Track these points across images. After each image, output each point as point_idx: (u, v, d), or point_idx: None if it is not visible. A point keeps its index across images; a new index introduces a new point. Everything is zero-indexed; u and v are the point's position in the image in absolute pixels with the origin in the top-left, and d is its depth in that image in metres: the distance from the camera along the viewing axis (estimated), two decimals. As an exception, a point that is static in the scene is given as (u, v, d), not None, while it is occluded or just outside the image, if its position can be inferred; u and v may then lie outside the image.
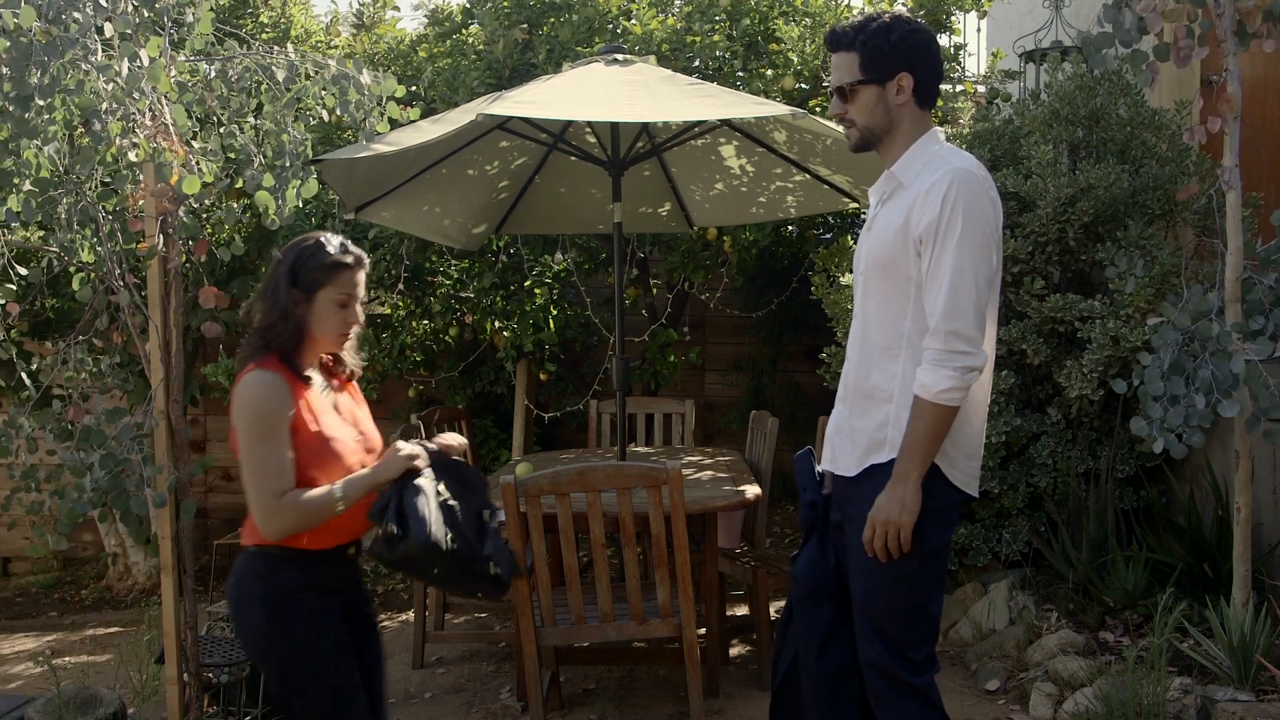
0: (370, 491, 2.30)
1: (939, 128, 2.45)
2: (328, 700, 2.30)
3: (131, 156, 3.12)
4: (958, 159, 2.31)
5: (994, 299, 2.35)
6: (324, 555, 2.35)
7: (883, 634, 2.33)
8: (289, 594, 2.29)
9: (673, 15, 5.90)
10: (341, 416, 2.43)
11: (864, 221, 6.21)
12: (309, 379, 2.36)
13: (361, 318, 2.40)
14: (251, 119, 3.42)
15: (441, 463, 2.40)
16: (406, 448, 2.34)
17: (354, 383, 2.57)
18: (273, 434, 2.23)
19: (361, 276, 2.39)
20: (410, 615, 5.34)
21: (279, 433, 2.24)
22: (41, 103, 2.86)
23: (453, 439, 2.49)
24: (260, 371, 2.28)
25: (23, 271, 3.56)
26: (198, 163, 3.22)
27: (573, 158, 4.85)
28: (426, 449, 2.38)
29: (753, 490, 3.93)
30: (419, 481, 2.31)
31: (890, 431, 2.33)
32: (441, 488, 2.35)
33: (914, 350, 2.32)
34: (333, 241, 2.37)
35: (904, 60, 2.34)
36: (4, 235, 3.44)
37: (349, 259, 2.36)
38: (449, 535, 2.29)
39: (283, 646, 2.29)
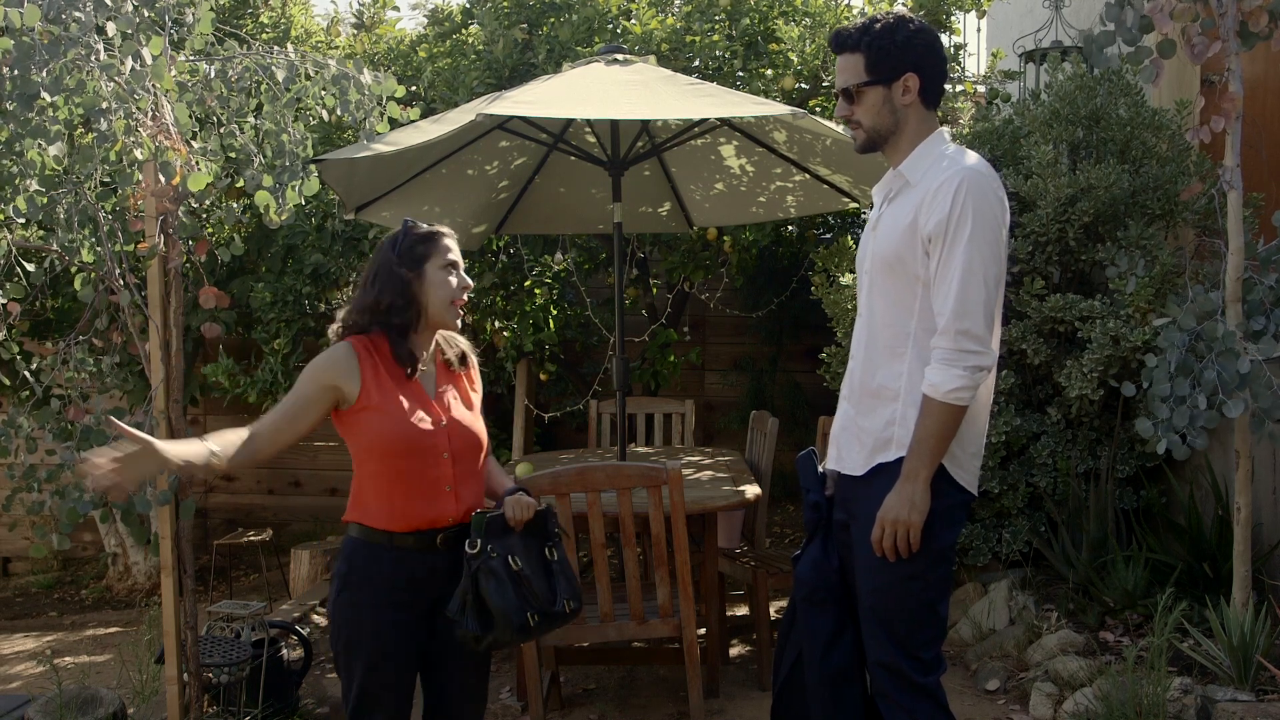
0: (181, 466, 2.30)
1: (945, 128, 2.45)
2: (358, 688, 2.39)
3: (137, 154, 3.12)
4: (966, 159, 2.32)
5: (1000, 299, 2.35)
6: (407, 540, 2.38)
7: (892, 633, 2.32)
8: (360, 579, 2.37)
9: (672, 15, 5.91)
10: (434, 403, 2.43)
11: (864, 221, 6.20)
12: (413, 360, 2.41)
13: (471, 282, 2.48)
14: (251, 119, 3.42)
15: (501, 527, 2.37)
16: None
17: (468, 376, 2.58)
18: (301, 385, 2.38)
19: (457, 248, 2.47)
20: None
21: (305, 388, 2.36)
22: (48, 100, 2.86)
23: (522, 507, 2.43)
24: (341, 344, 2.41)
25: (30, 268, 3.56)
26: (197, 163, 3.22)
27: (573, 158, 4.85)
28: (488, 518, 2.36)
29: (753, 490, 3.93)
30: (492, 563, 2.31)
31: (897, 430, 2.33)
32: (513, 560, 2.35)
33: (920, 349, 2.32)
34: (416, 222, 2.49)
35: (910, 61, 2.34)
36: (7, 234, 3.43)
37: (438, 228, 2.47)
38: (530, 614, 2.34)
39: (338, 625, 2.40)
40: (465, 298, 2.46)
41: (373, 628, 2.36)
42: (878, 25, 2.35)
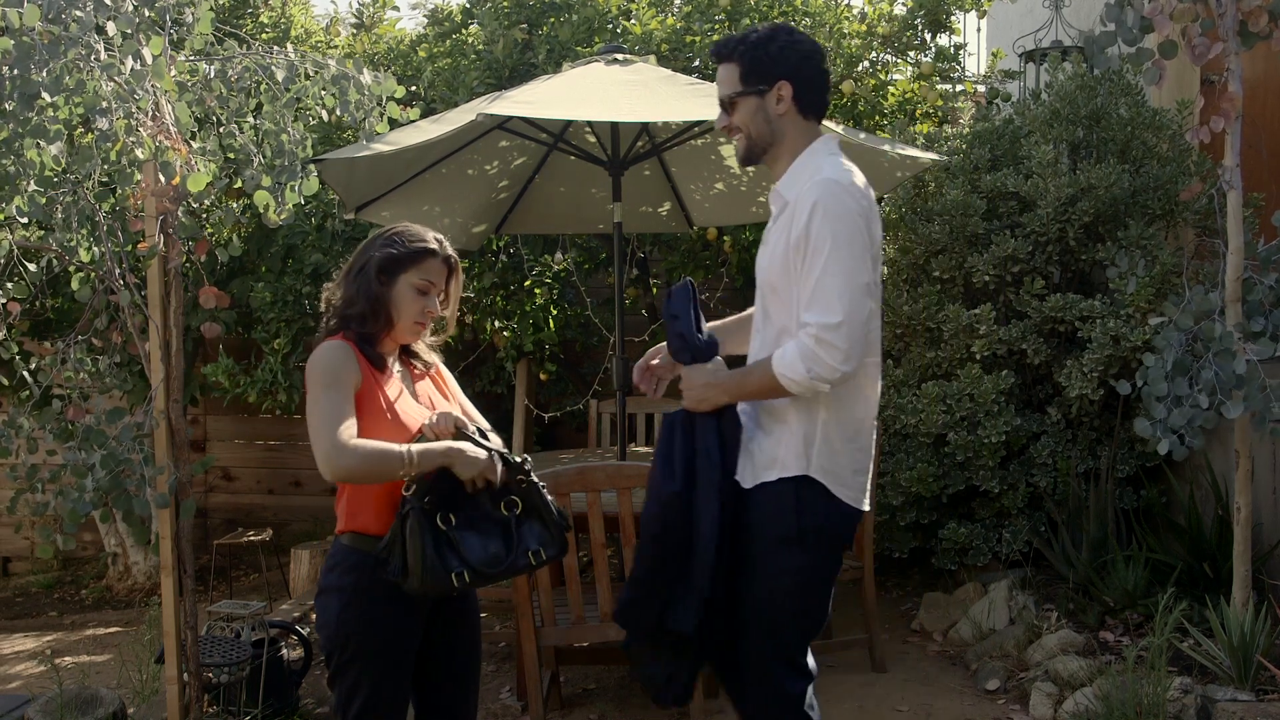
0: (439, 466, 2.25)
1: (832, 135, 2.40)
2: (364, 699, 2.34)
3: (138, 154, 3.12)
4: (831, 169, 2.28)
5: (876, 307, 2.32)
6: None
7: (776, 641, 2.35)
8: (362, 593, 2.32)
9: (672, 15, 5.91)
10: (419, 401, 2.43)
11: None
12: (382, 362, 2.38)
13: (440, 312, 2.42)
14: (251, 119, 3.41)
15: (443, 487, 2.29)
16: (483, 456, 2.28)
17: (442, 373, 2.57)
18: (336, 384, 2.28)
19: (442, 272, 2.41)
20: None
21: (343, 385, 2.28)
22: (48, 100, 2.85)
23: (443, 423, 2.35)
24: (332, 341, 2.35)
25: (32, 268, 3.56)
26: (196, 163, 3.22)
27: (573, 157, 4.85)
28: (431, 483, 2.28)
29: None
30: (418, 514, 2.24)
31: (782, 451, 2.32)
32: (443, 518, 2.27)
33: None
34: (421, 230, 2.43)
35: (783, 69, 2.32)
36: (7, 234, 3.43)
37: (433, 245, 2.41)
38: (454, 573, 2.26)
39: (341, 641, 2.34)
40: (429, 322, 2.42)
41: (383, 637, 2.33)
42: (754, 35, 2.35)
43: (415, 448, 2.25)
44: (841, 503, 2.34)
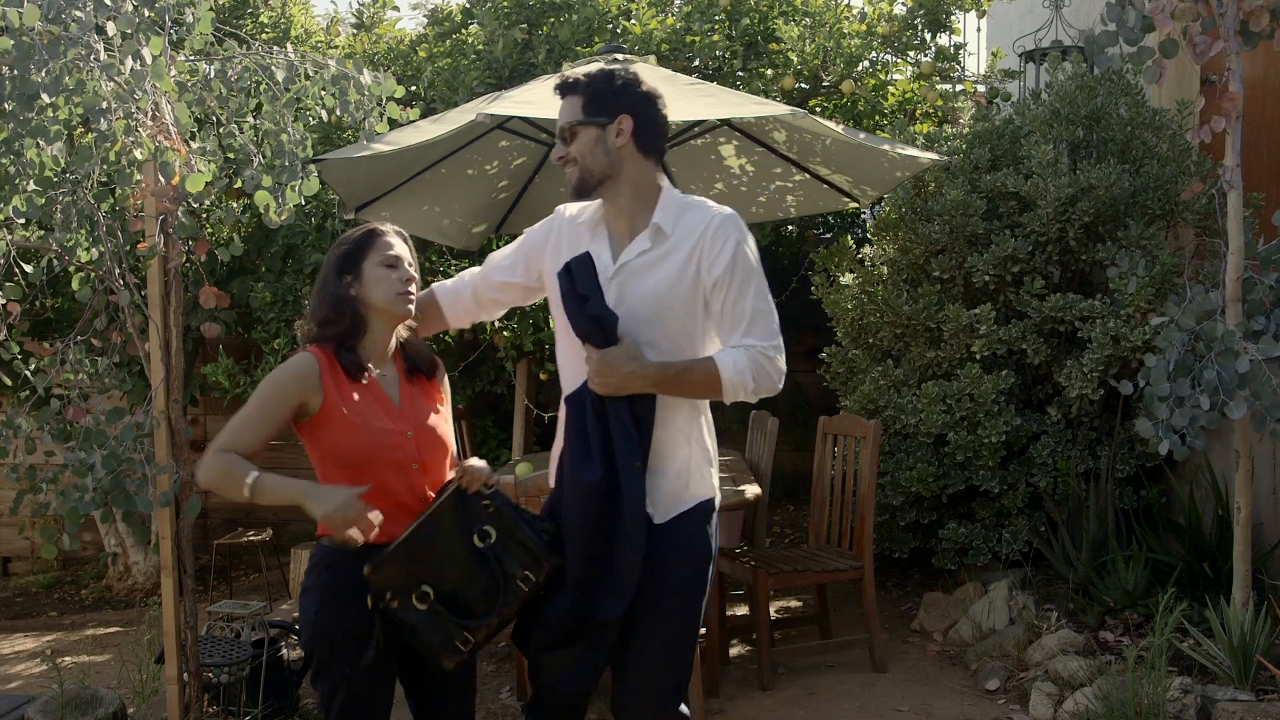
0: (288, 503, 2.23)
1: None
2: (343, 698, 2.33)
3: (137, 154, 3.12)
4: (717, 206, 2.36)
5: None
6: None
7: (673, 669, 2.38)
8: (342, 593, 2.30)
9: (672, 15, 5.91)
10: (400, 410, 2.39)
11: (864, 221, 6.13)
12: (359, 369, 2.36)
13: (413, 275, 2.42)
14: (251, 119, 3.41)
15: (397, 575, 2.25)
16: (342, 509, 2.18)
17: (438, 385, 2.51)
18: (271, 399, 2.32)
19: (399, 243, 2.43)
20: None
21: (278, 402, 2.31)
22: (47, 100, 2.85)
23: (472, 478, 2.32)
24: (302, 354, 2.35)
25: (28, 269, 3.56)
26: (196, 163, 3.22)
27: (573, 157, 4.84)
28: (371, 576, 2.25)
29: (752, 490, 3.92)
30: (393, 616, 2.24)
31: (694, 476, 2.34)
32: (419, 598, 2.25)
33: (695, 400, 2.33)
34: (359, 225, 2.46)
35: (625, 104, 2.37)
36: (5, 234, 3.44)
37: (377, 226, 2.44)
38: (459, 641, 2.27)
39: (321, 638, 2.33)
40: (413, 288, 2.40)
41: (359, 636, 2.31)
42: (600, 72, 2.40)
43: (257, 481, 2.23)
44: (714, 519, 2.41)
